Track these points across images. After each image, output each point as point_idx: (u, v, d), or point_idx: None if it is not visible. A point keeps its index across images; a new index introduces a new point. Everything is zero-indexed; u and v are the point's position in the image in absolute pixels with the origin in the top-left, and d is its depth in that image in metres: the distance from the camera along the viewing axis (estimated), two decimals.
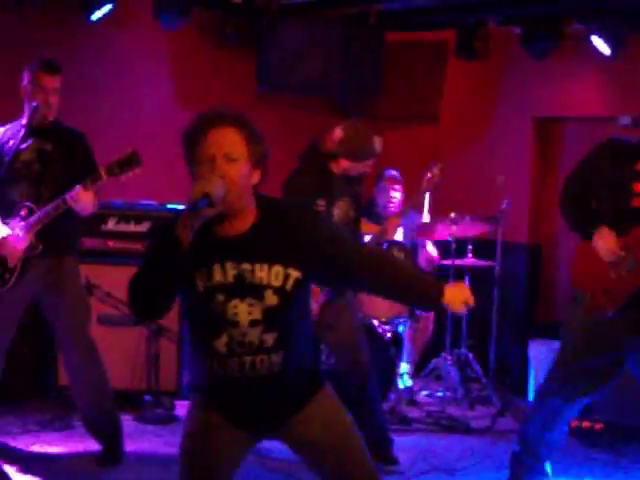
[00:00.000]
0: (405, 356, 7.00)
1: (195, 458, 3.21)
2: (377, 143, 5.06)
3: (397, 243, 6.68)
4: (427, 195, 6.78)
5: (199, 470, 3.22)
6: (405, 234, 7.09)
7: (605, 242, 4.31)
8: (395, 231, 6.00)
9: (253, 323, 3.10)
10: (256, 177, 3.11)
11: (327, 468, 3.28)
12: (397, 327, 6.70)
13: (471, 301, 3.13)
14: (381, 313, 6.45)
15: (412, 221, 7.04)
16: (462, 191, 7.70)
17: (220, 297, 3.08)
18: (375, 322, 6.46)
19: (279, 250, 3.10)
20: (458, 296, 3.13)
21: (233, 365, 3.13)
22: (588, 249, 4.38)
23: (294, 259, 3.14)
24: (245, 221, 3.13)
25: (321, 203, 4.95)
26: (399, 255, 6.47)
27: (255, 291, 3.09)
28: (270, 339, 3.12)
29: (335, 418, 3.30)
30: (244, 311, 3.09)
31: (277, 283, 3.10)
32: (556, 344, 6.24)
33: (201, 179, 3.00)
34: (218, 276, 3.09)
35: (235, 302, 3.09)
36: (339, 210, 5.08)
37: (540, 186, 7.83)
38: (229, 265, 3.09)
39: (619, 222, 4.32)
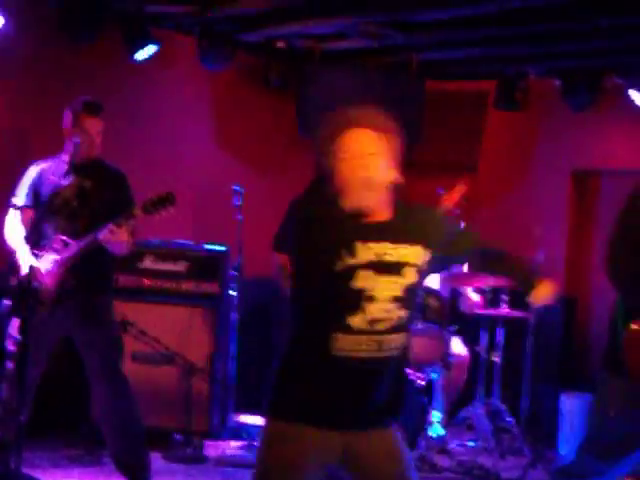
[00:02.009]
0: (437, 404, 6.92)
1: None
2: None
3: (432, 292, 6.62)
4: None
5: None
6: (442, 284, 7.04)
7: None
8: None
9: (394, 300, 3.24)
10: (393, 175, 3.30)
11: None
12: (430, 375, 6.66)
13: (552, 300, 3.51)
14: (415, 360, 6.36)
15: (449, 271, 6.98)
16: (498, 242, 7.60)
17: (362, 273, 3.20)
18: (408, 369, 6.37)
19: (417, 232, 3.30)
20: (544, 291, 3.50)
21: (367, 342, 3.22)
22: None
23: (428, 241, 3.33)
24: (384, 212, 3.32)
25: None
26: (434, 304, 6.43)
27: (396, 269, 3.24)
28: (404, 317, 3.27)
29: (401, 451, 3.38)
30: (386, 288, 3.23)
31: (418, 261, 3.28)
32: (587, 396, 6.33)
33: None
34: (361, 253, 3.21)
35: (377, 278, 3.21)
36: None
37: (577, 238, 7.80)
38: (371, 244, 3.23)
39: None
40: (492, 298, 6.90)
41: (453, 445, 6.80)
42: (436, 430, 6.72)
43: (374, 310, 3.22)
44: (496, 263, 3.67)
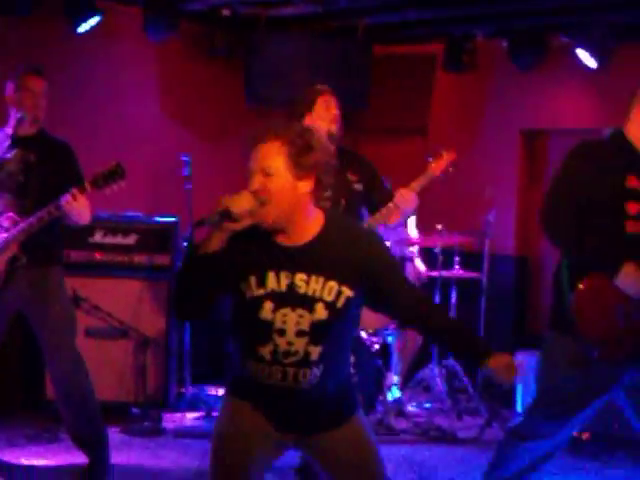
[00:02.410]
0: (393, 368, 6.92)
1: (228, 458, 3.27)
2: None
3: None
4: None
5: (231, 468, 3.27)
6: (392, 246, 7.01)
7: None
8: (403, 213, 4.93)
9: (300, 334, 3.13)
10: (305, 187, 3.12)
11: None
12: (385, 338, 6.64)
13: (518, 372, 3.19)
14: (369, 324, 6.35)
15: (398, 234, 6.91)
16: (449, 203, 7.66)
17: (270, 305, 3.13)
18: (363, 333, 6.39)
19: (337, 266, 3.13)
20: (504, 362, 3.18)
21: (276, 373, 3.17)
22: (596, 289, 3.93)
23: (349, 278, 3.15)
24: (305, 233, 3.17)
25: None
26: None
27: (306, 303, 3.12)
28: (315, 352, 3.15)
29: (364, 439, 3.33)
30: (293, 321, 3.12)
31: (329, 298, 3.13)
32: None
33: (231, 194, 3.08)
34: (271, 283, 3.14)
35: (285, 311, 3.13)
36: None
37: (527, 198, 7.83)
38: (284, 274, 3.13)
39: (613, 253, 3.92)
40: (444, 259, 6.88)
41: (410, 407, 6.83)
42: (393, 393, 6.74)
43: (282, 343, 3.14)
44: (440, 334, 3.30)
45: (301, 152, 3.08)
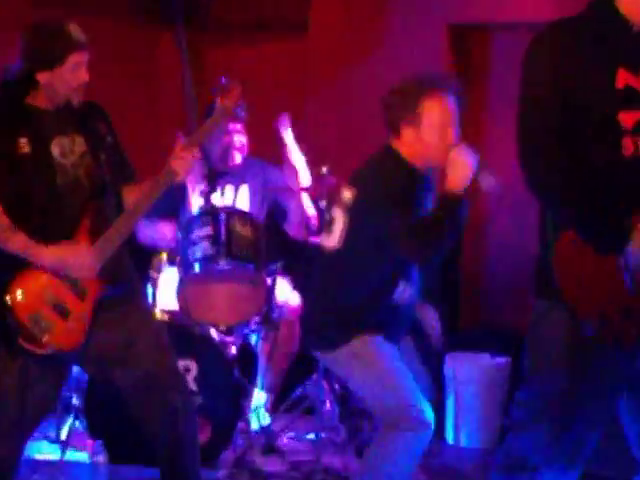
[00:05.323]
0: (259, 381, 5.47)
1: None
2: (75, 31, 3.80)
3: (240, 213, 5.01)
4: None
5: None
6: (253, 199, 5.43)
7: None
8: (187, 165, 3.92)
9: None
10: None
11: None
12: (247, 338, 5.30)
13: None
14: (220, 318, 4.97)
15: (266, 179, 5.44)
16: (343, 131, 6.29)
17: None
18: (212, 332, 4.99)
19: None
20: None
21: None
22: (583, 251, 3.17)
23: None
24: None
25: (23, 141, 3.79)
26: (243, 230, 4.88)
27: None
28: None
29: None
30: None
31: None
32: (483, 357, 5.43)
33: None
34: None
35: None
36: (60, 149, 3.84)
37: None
38: None
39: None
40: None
41: (285, 439, 5.42)
42: (260, 418, 5.36)
43: None
44: None
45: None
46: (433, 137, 3.79)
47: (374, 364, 3.84)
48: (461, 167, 3.67)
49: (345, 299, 3.83)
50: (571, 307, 3.17)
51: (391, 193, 3.73)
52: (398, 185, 3.79)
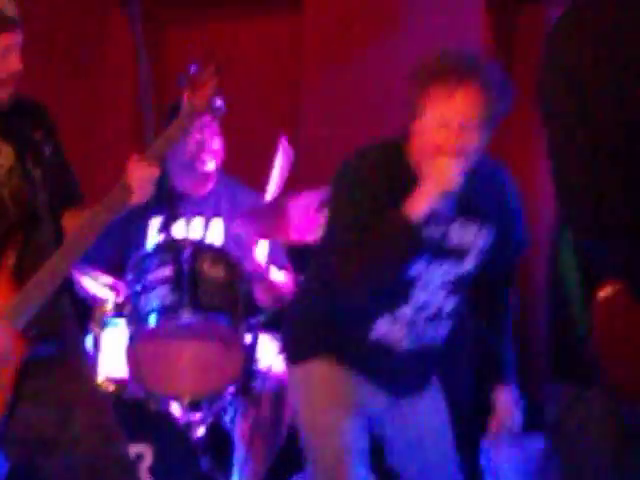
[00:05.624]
0: (237, 474, 4.31)
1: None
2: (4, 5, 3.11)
3: (211, 249, 3.96)
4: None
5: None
6: (230, 233, 4.32)
7: None
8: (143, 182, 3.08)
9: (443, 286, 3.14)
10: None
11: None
12: (218, 416, 4.20)
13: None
14: (183, 388, 4.00)
15: (236, 205, 4.36)
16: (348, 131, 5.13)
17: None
18: (174, 407, 4.05)
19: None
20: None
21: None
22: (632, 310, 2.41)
23: None
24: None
25: None
26: (214, 271, 3.88)
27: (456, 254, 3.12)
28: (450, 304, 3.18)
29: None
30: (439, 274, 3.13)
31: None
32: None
33: None
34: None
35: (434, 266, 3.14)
36: None
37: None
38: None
39: None
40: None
41: None
42: None
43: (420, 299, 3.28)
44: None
45: None
46: (424, 135, 2.83)
47: (319, 399, 3.19)
48: (434, 184, 2.78)
49: (317, 309, 3.16)
50: (618, 391, 2.52)
51: (356, 192, 2.91)
52: (372, 187, 2.94)
